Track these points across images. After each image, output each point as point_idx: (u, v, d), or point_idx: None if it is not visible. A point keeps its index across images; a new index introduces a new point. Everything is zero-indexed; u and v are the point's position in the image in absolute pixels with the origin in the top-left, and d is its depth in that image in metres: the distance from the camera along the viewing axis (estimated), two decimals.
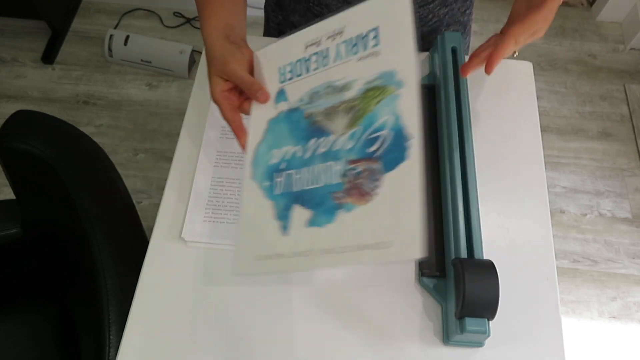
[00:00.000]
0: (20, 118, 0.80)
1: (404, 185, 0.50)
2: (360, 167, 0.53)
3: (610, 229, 1.59)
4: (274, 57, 0.64)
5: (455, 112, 0.71)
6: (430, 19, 0.80)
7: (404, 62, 0.55)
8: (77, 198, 0.77)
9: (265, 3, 0.92)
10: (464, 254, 0.61)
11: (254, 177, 0.60)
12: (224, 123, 0.75)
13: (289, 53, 0.62)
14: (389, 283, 0.65)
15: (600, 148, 1.73)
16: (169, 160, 0.75)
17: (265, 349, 0.61)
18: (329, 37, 0.60)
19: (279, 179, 0.58)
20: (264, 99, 0.63)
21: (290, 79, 0.62)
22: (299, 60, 0.62)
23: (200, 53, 0.84)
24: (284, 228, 0.56)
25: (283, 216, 0.56)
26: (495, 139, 0.75)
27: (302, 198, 0.56)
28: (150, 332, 0.62)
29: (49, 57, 1.87)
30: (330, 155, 0.55)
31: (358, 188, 0.52)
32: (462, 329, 0.56)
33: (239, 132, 0.63)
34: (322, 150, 0.56)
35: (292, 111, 0.61)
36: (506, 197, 0.71)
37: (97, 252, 0.75)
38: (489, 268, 0.57)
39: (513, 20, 0.64)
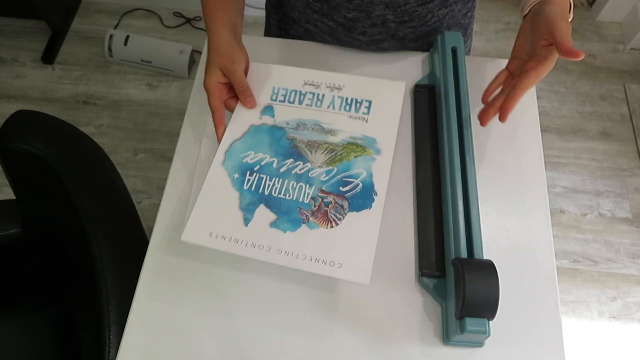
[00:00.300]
0: (20, 118, 0.80)
1: (363, 226, 0.62)
2: (330, 198, 0.64)
3: (610, 229, 1.59)
4: (271, 75, 0.73)
5: (455, 112, 0.71)
6: (430, 19, 0.80)
7: (385, 136, 0.68)
8: (77, 198, 0.77)
9: (266, 1, 0.92)
10: (464, 254, 0.61)
11: (225, 165, 0.67)
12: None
13: (287, 80, 0.72)
14: (389, 283, 0.65)
15: (600, 148, 1.73)
16: (169, 160, 0.75)
17: (265, 348, 0.61)
18: (327, 87, 0.72)
19: (250, 177, 0.65)
20: (250, 106, 0.70)
21: (281, 100, 0.71)
22: (294, 90, 0.72)
23: (200, 53, 0.84)
24: (246, 220, 0.63)
25: (247, 210, 0.63)
26: (495, 139, 0.75)
27: (269, 201, 0.64)
28: (150, 332, 0.62)
29: (49, 57, 1.87)
30: (304, 178, 0.65)
31: (325, 213, 0.63)
32: (462, 329, 0.56)
33: (219, 123, 0.69)
34: (297, 171, 0.65)
35: (277, 128, 0.69)
36: (506, 197, 0.71)
37: (97, 252, 0.75)
38: (489, 268, 0.57)
39: (524, 62, 0.64)
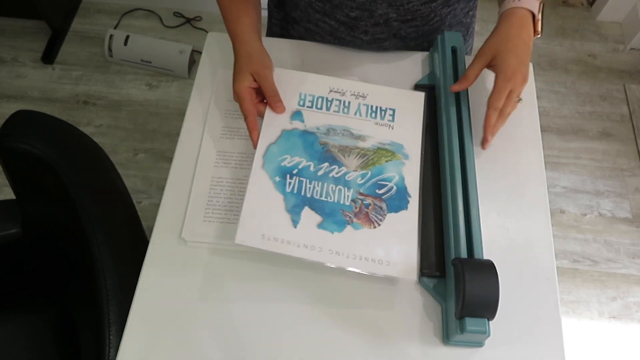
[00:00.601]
0: (20, 118, 0.80)
1: (403, 226, 0.65)
2: (368, 200, 0.66)
3: (610, 229, 1.59)
4: (297, 82, 0.75)
5: (455, 112, 0.71)
6: (432, 17, 0.80)
7: (411, 142, 0.71)
8: (77, 198, 0.77)
9: (269, 0, 0.92)
10: (464, 254, 0.61)
11: (265, 168, 0.67)
12: (223, 123, 0.76)
13: (313, 87, 0.74)
14: (389, 283, 0.65)
15: (600, 148, 1.73)
16: (169, 160, 0.75)
17: (264, 348, 0.61)
18: (352, 94, 0.74)
19: (291, 180, 0.67)
20: (280, 111, 0.71)
21: (309, 106, 0.73)
22: (320, 97, 0.73)
23: (200, 53, 0.84)
24: (294, 221, 0.64)
25: (294, 212, 0.65)
26: (495, 139, 0.75)
27: (312, 204, 0.66)
28: (150, 332, 0.62)
29: (49, 57, 1.87)
30: (341, 182, 0.67)
31: (366, 215, 0.65)
32: (462, 329, 0.56)
33: (253, 127, 0.69)
34: (334, 174, 0.68)
35: (308, 133, 0.71)
36: (506, 197, 0.71)
37: (97, 252, 0.75)
38: (489, 268, 0.57)
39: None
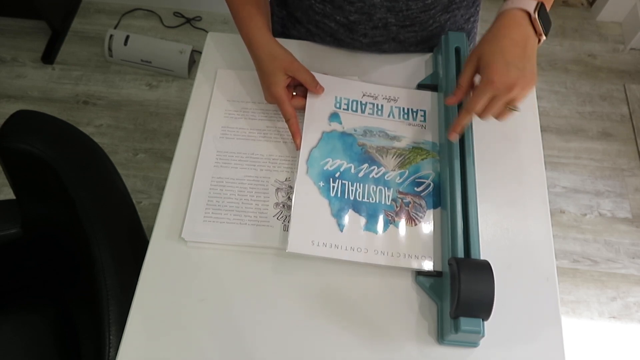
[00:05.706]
0: (20, 118, 0.80)
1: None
2: (408, 199, 0.68)
3: (610, 229, 1.59)
4: (332, 85, 0.76)
5: (455, 111, 0.70)
6: (431, 24, 0.80)
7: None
8: (77, 198, 0.77)
9: None
10: (460, 253, 0.61)
11: (309, 174, 0.69)
12: (223, 123, 0.76)
13: (347, 90, 0.77)
14: (385, 281, 0.65)
15: (600, 148, 1.73)
16: (169, 160, 0.75)
17: (263, 347, 0.61)
18: (384, 98, 0.76)
19: (334, 184, 0.69)
20: (322, 92, 0.74)
21: (345, 109, 0.75)
22: (355, 100, 0.76)
23: (200, 53, 0.84)
24: (340, 225, 0.66)
25: (339, 216, 0.67)
26: (495, 139, 0.75)
27: (356, 206, 0.67)
28: (150, 332, 0.62)
29: (49, 57, 1.87)
30: (381, 182, 0.69)
31: (407, 213, 0.67)
32: (457, 329, 0.56)
33: (296, 130, 0.70)
34: (374, 175, 0.70)
35: (346, 134, 0.73)
36: (506, 197, 0.71)
37: (97, 252, 0.75)
38: (485, 268, 0.57)
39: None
